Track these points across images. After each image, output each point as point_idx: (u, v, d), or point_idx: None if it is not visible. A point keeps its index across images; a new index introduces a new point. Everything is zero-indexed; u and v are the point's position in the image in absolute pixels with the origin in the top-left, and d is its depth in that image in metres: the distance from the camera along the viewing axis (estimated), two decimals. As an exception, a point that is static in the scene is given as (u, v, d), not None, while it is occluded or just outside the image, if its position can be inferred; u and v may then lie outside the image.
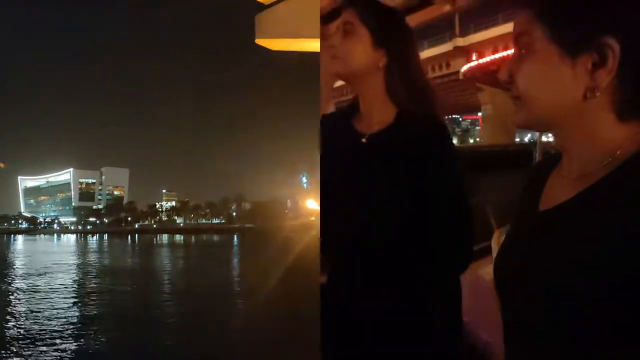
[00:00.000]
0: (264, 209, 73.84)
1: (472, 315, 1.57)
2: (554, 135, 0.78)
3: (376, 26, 1.37)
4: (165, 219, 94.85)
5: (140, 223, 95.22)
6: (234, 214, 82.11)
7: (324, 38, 1.46)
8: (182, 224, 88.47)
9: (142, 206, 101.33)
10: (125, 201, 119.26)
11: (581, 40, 0.68)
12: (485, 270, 2.80)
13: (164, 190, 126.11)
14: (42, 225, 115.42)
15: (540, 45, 0.71)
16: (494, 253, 3.10)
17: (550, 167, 0.85)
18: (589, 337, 0.63)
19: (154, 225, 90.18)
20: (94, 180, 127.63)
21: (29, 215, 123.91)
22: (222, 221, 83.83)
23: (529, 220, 0.81)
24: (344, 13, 1.38)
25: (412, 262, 1.33)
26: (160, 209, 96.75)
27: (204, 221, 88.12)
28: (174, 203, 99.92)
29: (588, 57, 0.67)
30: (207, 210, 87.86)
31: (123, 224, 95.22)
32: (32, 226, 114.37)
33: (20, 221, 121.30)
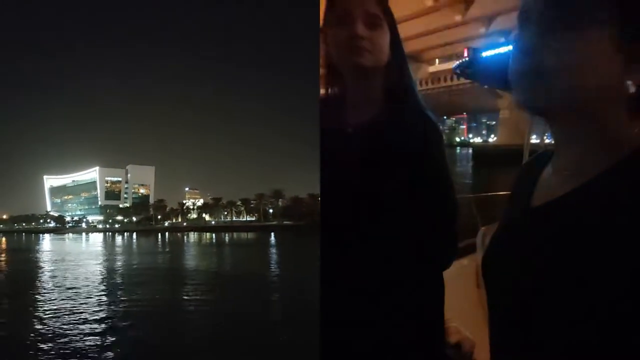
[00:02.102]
0: (301, 205, 72.05)
1: (456, 312, 1.61)
2: (558, 125, 0.74)
3: (394, 22, 1.37)
4: (194, 216, 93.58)
5: (171, 221, 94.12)
6: (270, 210, 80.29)
7: (332, 24, 1.35)
8: (213, 222, 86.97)
9: (169, 204, 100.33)
10: (151, 199, 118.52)
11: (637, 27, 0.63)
12: (470, 267, 2.87)
13: (187, 189, 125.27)
14: (69, 225, 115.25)
15: (593, 18, 0.64)
16: (479, 250, 3.05)
17: (542, 164, 0.83)
18: (578, 334, 0.61)
19: (184, 224, 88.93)
20: (119, 179, 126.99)
21: (57, 215, 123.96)
22: (253, 218, 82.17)
23: (520, 216, 0.79)
24: (358, 1, 1.31)
25: (399, 257, 1.33)
26: (192, 207, 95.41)
27: (233, 219, 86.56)
28: (201, 201, 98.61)
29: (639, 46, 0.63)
30: (242, 208, 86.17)
31: (152, 222, 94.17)
32: (59, 225, 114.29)
33: (48, 220, 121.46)
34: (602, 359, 0.59)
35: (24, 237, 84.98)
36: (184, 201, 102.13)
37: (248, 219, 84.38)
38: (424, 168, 1.30)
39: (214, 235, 63.89)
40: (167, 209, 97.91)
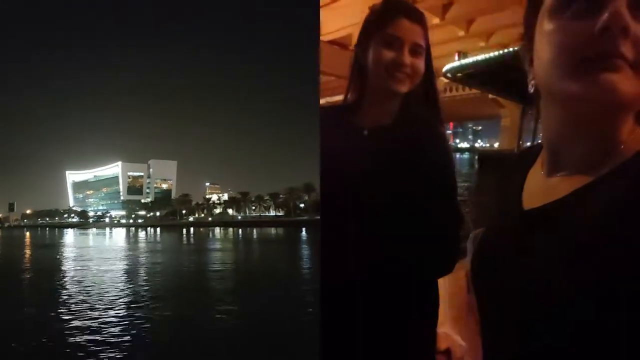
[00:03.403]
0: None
1: (449, 318, 1.62)
2: (567, 125, 0.69)
3: (430, 49, 1.43)
4: (219, 211, 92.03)
5: (196, 216, 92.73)
6: (302, 205, 78.02)
7: (375, 47, 1.40)
8: (240, 217, 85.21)
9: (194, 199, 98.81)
10: (173, 194, 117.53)
11: None
12: (461, 272, 2.80)
13: (207, 183, 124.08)
14: (92, 220, 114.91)
15: None
16: (469, 255, 3.04)
17: (526, 164, 0.80)
18: (572, 340, 0.59)
19: (209, 219, 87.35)
20: (141, 174, 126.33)
21: (80, 210, 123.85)
22: (281, 213, 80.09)
23: (511, 219, 0.76)
24: (408, 31, 1.38)
25: (401, 262, 1.34)
26: (217, 201, 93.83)
27: (261, 214, 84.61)
28: (226, 195, 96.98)
29: None
30: (271, 203, 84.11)
31: (177, 217, 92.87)
32: (82, 220, 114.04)
33: (71, 215, 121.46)
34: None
35: (47, 231, 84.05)
36: (209, 195, 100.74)
37: (276, 213, 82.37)
38: (429, 172, 1.35)
39: (240, 230, 61.87)
40: (193, 203, 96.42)
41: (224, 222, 78.90)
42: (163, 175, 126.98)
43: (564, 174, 0.69)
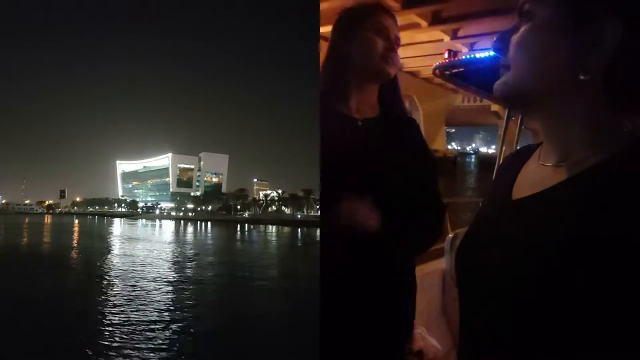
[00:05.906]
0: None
1: (424, 319, 1.61)
2: (537, 116, 0.74)
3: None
4: (274, 209, 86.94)
5: (250, 212, 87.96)
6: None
7: (368, 37, 1.50)
8: (299, 216, 79.73)
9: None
10: (224, 188, 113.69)
11: (585, 15, 0.64)
12: (437, 272, 2.87)
13: (255, 180, 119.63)
14: (141, 210, 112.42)
15: (543, 14, 0.67)
16: (446, 255, 3.05)
17: (523, 158, 0.83)
18: (558, 335, 0.58)
19: (269, 216, 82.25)
20: (192, 166, 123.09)
21: (129, 200, 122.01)
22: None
23: (500, 209, 0.77)
24: (391, 23, 1.51)
25: (383, 253, 1.37)
26: (276, 198, 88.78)
27: (317, 214, 78.79)
28: (280, 191, 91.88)
29: (588, 34, 0.64)
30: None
31: (231, 212, 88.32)
32: (132, 210, 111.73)
33: (122, 205, 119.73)
34: (583, 357, 0.56)
35: (96, 220, 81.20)
36: (268, 191, 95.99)
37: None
38: (419, 163, 1.46)
39: (299, 230, 56.19)
40: (249, 199, 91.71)
41: (283, 220, 73.37)
42: (214, 169, 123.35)
43: (556, 164, 0.71)
